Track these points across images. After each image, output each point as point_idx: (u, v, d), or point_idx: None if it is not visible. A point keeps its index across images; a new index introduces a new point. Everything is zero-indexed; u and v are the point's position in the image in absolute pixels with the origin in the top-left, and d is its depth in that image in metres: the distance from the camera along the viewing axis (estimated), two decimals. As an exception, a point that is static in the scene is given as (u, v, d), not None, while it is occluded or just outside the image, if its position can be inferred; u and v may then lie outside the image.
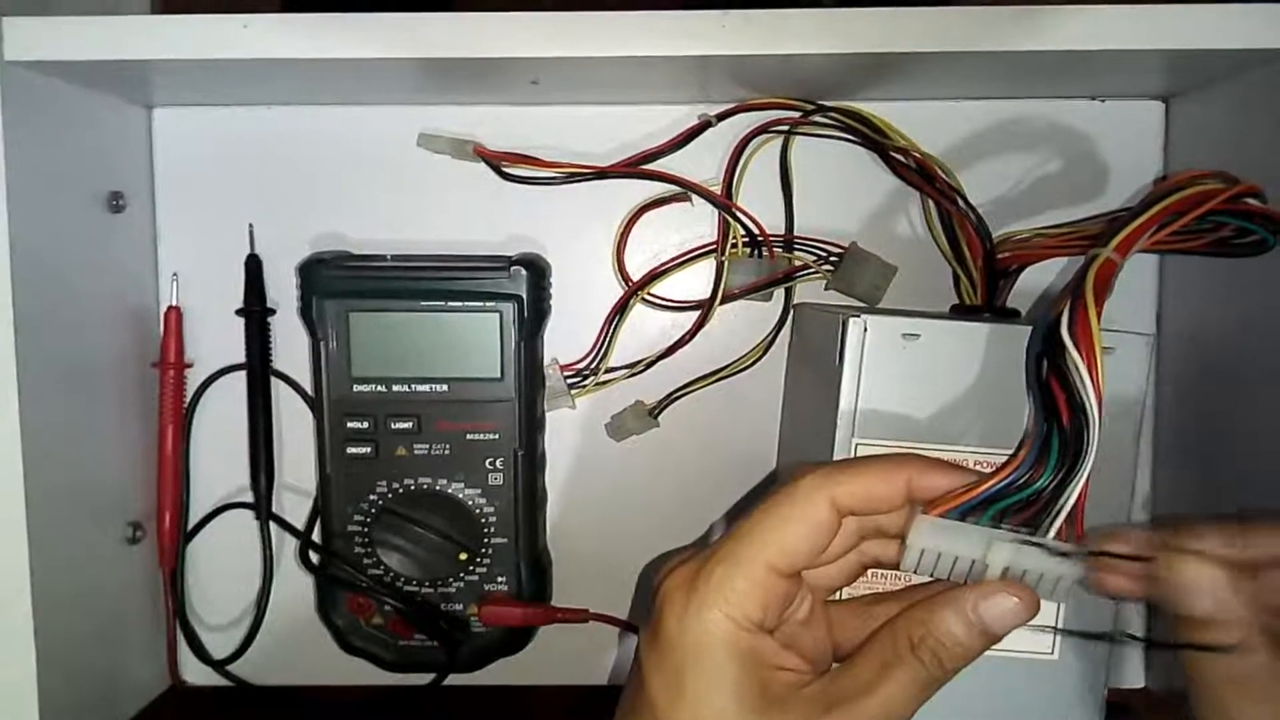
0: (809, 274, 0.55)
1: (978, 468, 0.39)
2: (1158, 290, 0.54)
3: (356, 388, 0.52)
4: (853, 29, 0.41)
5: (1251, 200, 0.42)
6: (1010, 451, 0.35)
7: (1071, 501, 0.33)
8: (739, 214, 0.54)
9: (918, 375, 0.41)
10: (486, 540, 0.53)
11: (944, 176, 0.52)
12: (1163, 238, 0.40)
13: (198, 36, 0.42)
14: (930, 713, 0.42)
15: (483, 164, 0.54)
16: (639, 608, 0.56)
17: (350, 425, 0.52)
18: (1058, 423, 0.34)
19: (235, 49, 0.43)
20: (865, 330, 0.41)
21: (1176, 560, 0.32)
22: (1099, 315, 0.34)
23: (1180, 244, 0.45)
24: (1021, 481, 0.34)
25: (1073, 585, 0.33)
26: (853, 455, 0.41)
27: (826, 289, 0.55)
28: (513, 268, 0.52)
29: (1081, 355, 0.33)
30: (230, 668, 0.56)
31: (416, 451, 0.52)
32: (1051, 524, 0.33)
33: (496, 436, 0.53)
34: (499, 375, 0.52)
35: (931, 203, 0.53)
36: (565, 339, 0.56)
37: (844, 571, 0.36)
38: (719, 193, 0.54)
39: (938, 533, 0.33)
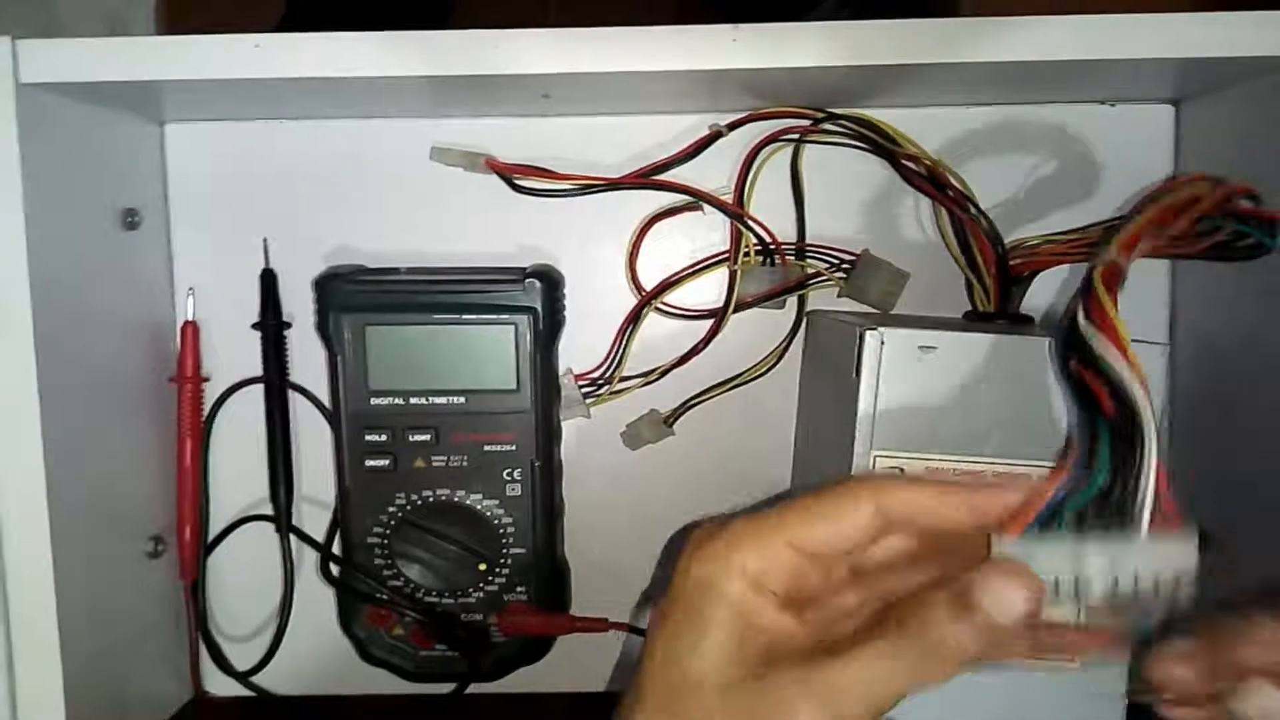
0: (822, 281, 0.55)
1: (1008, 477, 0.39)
2: (1170, 298, 0.55)
3: (374, 401, 0.52)
4: (863, 41, 0.41)
5: (1243, 202, 0.42)
6: (1033, 461, 0.35)
7: (1150, 488, 0.31)
8: (751, 223, 0.54)
9: (934, 387, 0.42)
10: (505, 550, 0.53)
11: (955, 183, 0.53)
12: (1162, 243, 0.40)
13: (209, 57, 0.43)
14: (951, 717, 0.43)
15: (495, 176, 0.54)
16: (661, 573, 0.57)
17: (368, 438, 0.53)
18: (1100, 413, 0.32)
19: (247, 69, 0.43)
20: (882, 343, 0.42)
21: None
22: (1115, 305, 0.34)
23: (1181, 249, 0.45)
24: (1081, 482, 0.32)
25: (1194, 578, 0.31)
26: (870, 467, 0.42)
27: (839, 296, 0.55)
28: (527, 280, 0.52)
29: (1108, 338, 0.33)
30: (253, 679, 0.57)
31: (434, 463, 0.53)
32: (1140, 518, 0.31)
33: (513, 447, 0.53)
34: (515, 386, 0.52)
35: (943, 209, 0.53)
36: (580, 349, 0.56)
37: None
38: (730, 202, 0.54)
39: (1020, 552, 0.31)
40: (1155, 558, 0.31)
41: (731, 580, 0.32)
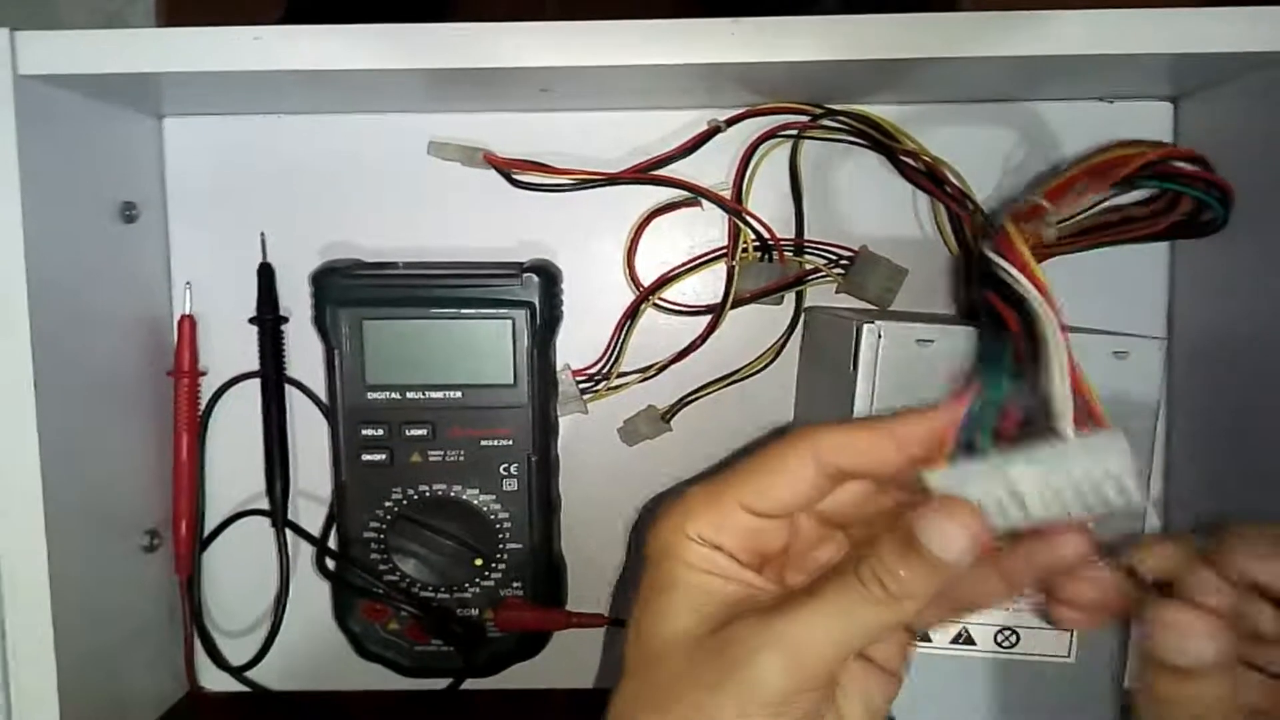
0: (820, 278, 0.55)
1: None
2: (1168, 293, 0.55)
3: (371, 395, 0.52)
4: (862, 36, 0.41)
5: (1181, 163, 0.42)
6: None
7: (1063, 391, 0.31)
8: (749, 218, 0.54)
9: (931, 380, 0.42)
10: (501, 545, 0.53)
11: (953, 179, 0.53)
12: (1100, 189, 0.41)
13: (209, 49, 0.43)
14: (948, 712, 0.43)
15: (493, 171, 0.54)
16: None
17: (365, 432, 0.53)
18: (1005, 329, 0.32)
19: (246, 61, 0.43)
20: (879, 337, 0.42)
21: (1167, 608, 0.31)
22: (1023, 238, 0.34)
23: (1142, 231, 0.46)
24: (987, 394, 0.31)
25: (1136, 477, 0.30)
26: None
27: (838, 292, 0.55)
28: (524, 274, 0.52)
29: (1010, 260, 0.33)
30: (248, 674, 0.57)
31: (431, 458, 0.53)
32: (1059, 420, 0.31)
33: (510, 442, 0.53)
34: (512, 381, 0.52)
35: (941, 205, 0.53)
36: (577, 345, 0.56)
37: None
38: (729, 197, 0.54)
39: (949, 483, 0.31)
40: (1085, 460, 0.30)
41: (688, 545, 0.32)
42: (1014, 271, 0.32)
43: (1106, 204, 0.51)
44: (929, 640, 0.43)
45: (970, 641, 0.43)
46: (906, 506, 0.32)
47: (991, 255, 0.33)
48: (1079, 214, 0.50)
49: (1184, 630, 0.30)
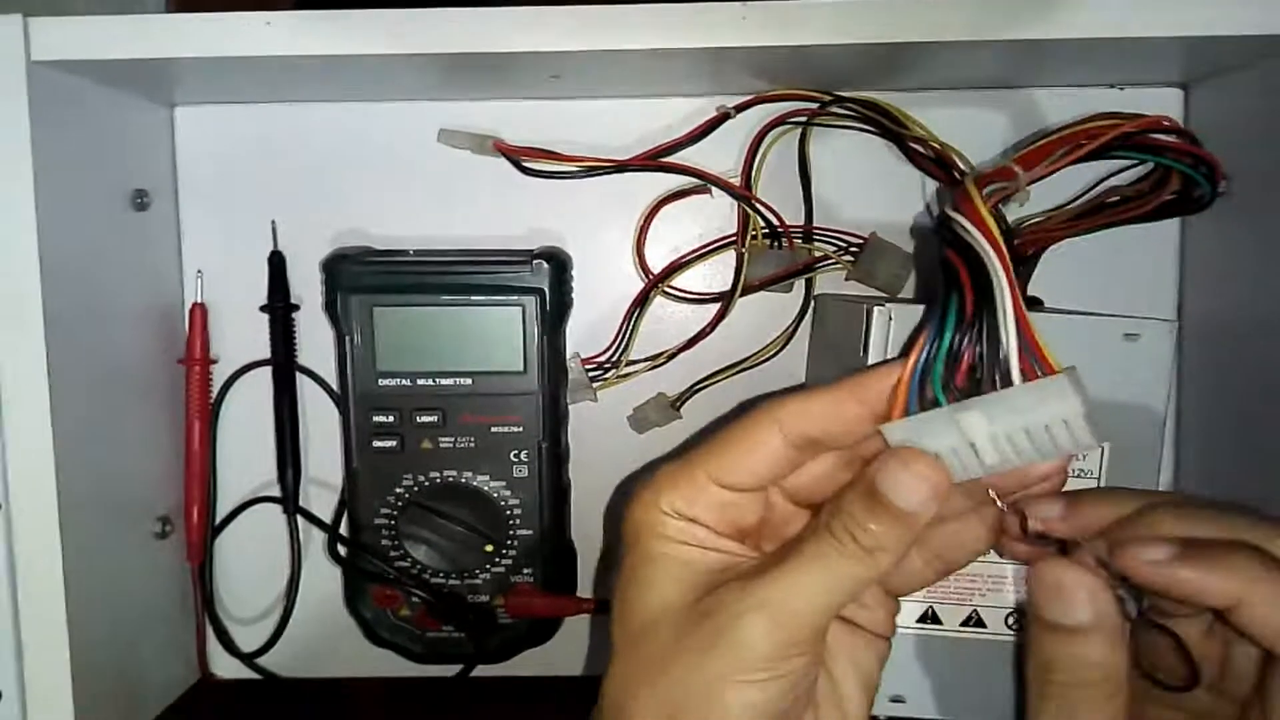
0: (829, 265, 0.55)
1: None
2: (1178, 278, 0.55)
3: (382, 382, 0.53)
4: (873, 19, 0.41)
5: (1163, 136, 0.43)
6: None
7: (1011, 334, 0.30)
8: (758, 205, 0.54)
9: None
10: (512, 532, 0.54)
11: (962, 165, 0.53)
12: (1077, 157, 0.40)
13: (221, 34, 0.43)
14: (959, 694, 0.43)
15: (503, 159, 0.54)
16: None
17: (376, 419, 0.53)
18: (957, 283, 0.32)
19: (258, 46, 0.43)
20: (890, 320, 0.42)
21: (1051, 565, 0.31)
22: (983, 199, 0.33)
23: (1134, 211, 0.47)
24: (938, 342, 0.31)
25: (1085, 419, 0.30)
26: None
27: (847, 279, 0.55)
28: (534, 261, 0.52)
29: (964, 214, 0.33)
30: (259, 660, 0.57)
31: (442, 445, 0.53)
32: (1009, 366, 0.30)
33: (520, 429, 0.53)
34: (522, 369, 0.52)
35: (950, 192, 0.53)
36: (587, 332, 0.56)
37: None
38: (738, 184, 0.54)
39: (906, 435, 0.31)
40: (1035, 405, 0.30)
41: (663, 519, 0.33)
42: (966, 224, 0.32)
43: (1104, 185, 0.51)
44: (939, 623, 0.43)
45: (980, 624, 0.43)
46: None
47: (949, 212, 0.33)
48: (1079, 197, 0.51)
49: (1061, 589, 0.31)
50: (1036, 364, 0.30)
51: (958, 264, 0.32)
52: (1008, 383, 0.30)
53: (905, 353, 0.32)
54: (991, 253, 0.31)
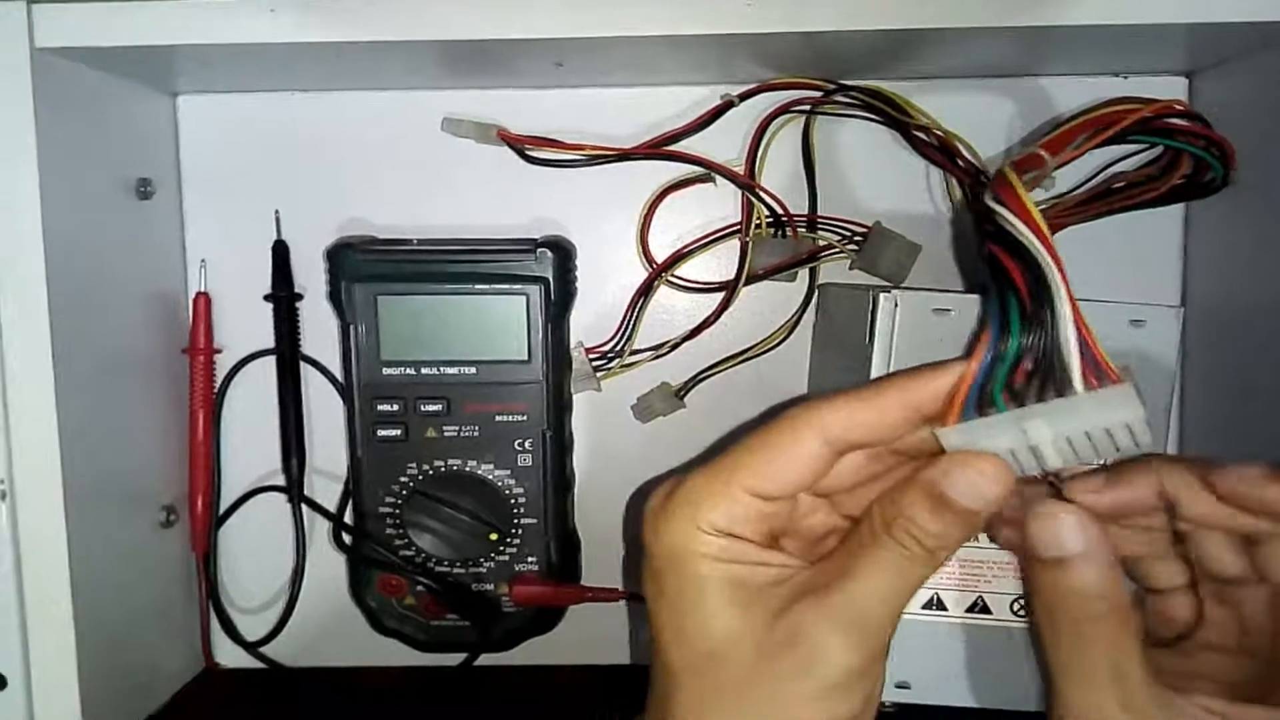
0: (833, 254, 0.55)
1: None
2: (1182, 265, 0.55)
3: (386, 371, 0.53)
4: (878, 6, 0.41)
5: (1178, 120, 0.43)
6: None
7: (1073, 343, 0.30)
8: (762, 194, 0.54)
9: (949, 350, 0.41)
10: (516, 520, 0.54)
11: (966, 154, 0.53)
12: (1097, 142, 0.41)
13: (226, 21, 0.43)
14: (963, 680, 0.43)
15: (507, 147, 0.54)
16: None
17: (380, 408, 0.53)
18: (1011, 284, 0.31)
19: (262, 33, 0.43)
20: (896, 306, 0.42)
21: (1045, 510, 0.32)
22: (1023, 185, 0.33)
23: (1145, 194, 0.47)
24: (1001, 350, 0.31)
25: (1146, 422, 0.30)
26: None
27: (851, 269, 0.55)
28: (539, 250, 0.52)
29: (1013, 210, 0.32)
30: (263, 649, 0.57)
31: (446, 433, 0.53)
32: (1070, 375, 0.30)
33: (525, 418, 0.53)
34: (526, 357, 0.53)
35: (954, 180, 0.53)
36: (590, 322, 0.56)
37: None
38: (742, 173, 0.54)
39: (963, 440, 0.31)
40: (1098, 411, 0.30)
41: (703, 540, 0.32)
42: (1013, 219, 0.32)
43: (1110, 171, 0.51)
44: (945, 609, 0.43)
45: (986, 610, 0.43)
46: (900, 470, 0.33)
47: (991, 204, 0.33)
48: (1085, 183, 0.51)
49: (1053, 521, 0.31)
50: (1096, 368, 0.30)
51: (1008, 262, 0.32)
52: (1069, 388, 0.30)
53: (968, 353, 0.31)
54: (1045, 253, 0.31)
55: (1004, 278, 0.32)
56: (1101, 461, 0.32)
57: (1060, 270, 0.31)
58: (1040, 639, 0.33)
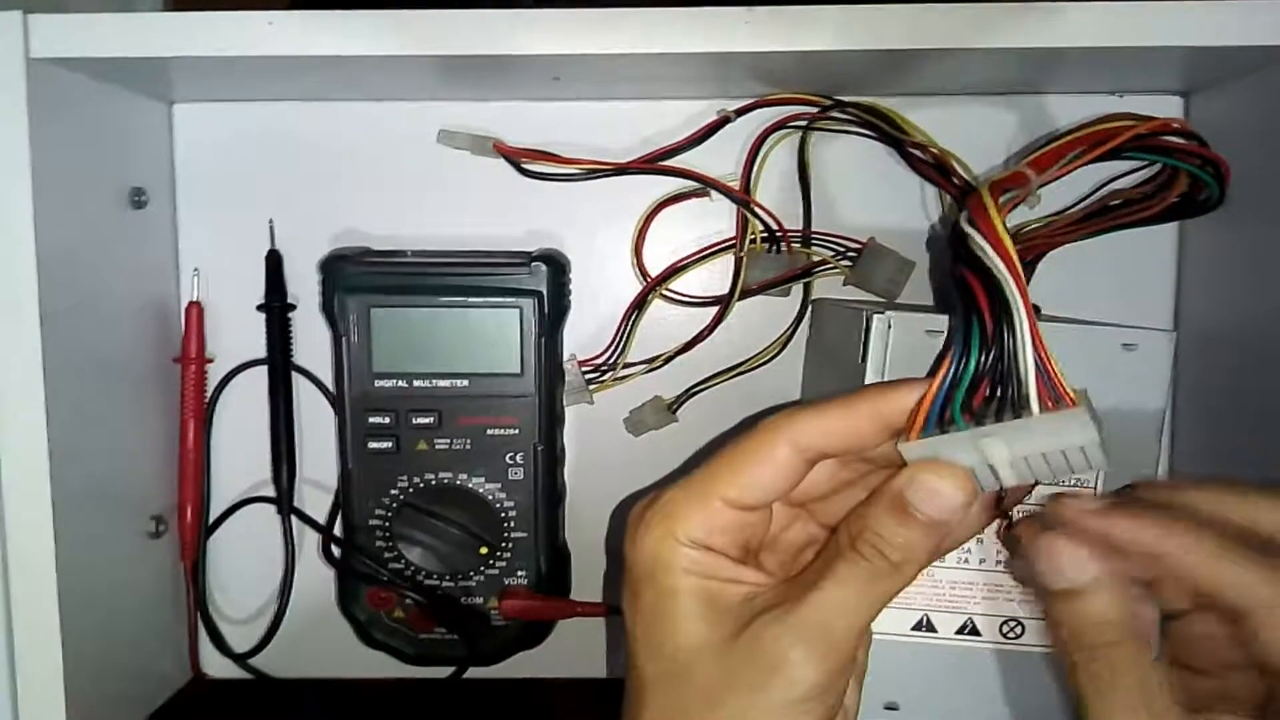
0: (827, 269, 0.55)
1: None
2: (1175, 288, 0.55)
3: (378, 383, 0.52)
4: (878, 26, 0.41)
5: (1173, 139, 0.43)
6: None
7: (1030, 364, 0.31)
8: (757, 209, 0.54)
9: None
10: (506, 534, 0.53)
11: (961, 171, 0.53)
12: (1088, 159, 0.41)
13: (222, 33, 0.43)
14: (953, 703, 0.43)
15: (502, 160, 0.54)
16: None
17: (372, 420, 0.53)
18: (975, 305, 0.32)
19: (260, 46, 0.43)
20: (889, 327, 0.42)
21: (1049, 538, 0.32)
22: (998, 208, 0.33)
23: (1141, 213, 0.47)
24: (962, 368, 0.32)
25: (1100, 446, 0.31)
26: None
27: (845, 284, 0.55)
28: (533, 263, 0.52)
29: (983, 232, 0.32)
30: (251, 661, 0.57)
31: (437, 446, 0.53)
32: (1028, 396, 0.31)
33: (516, 431, 0.53)
34: (519, 371, 0.52)
35: (949, 198, 0.53)
36: (584, 335, 0.56)
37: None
38: (737, 188, 0.54)
39: (925, 453, 0.32)
40: (1053, 434, 0.31)
41: (680, 551, 0.32)
42: (982, 243, 0.32)
43: (1107, 188, 0.51)
44: (934, 631, 0.43)
45: (975, 632, 0.43)
46: (873, 476, 0.34)
47: (965, 226, 0.33)
48: (1081, 201, 0.51)
49: (1064, 554, 0.31)
50: (1053, 391, 0.31)
51: (974, 284, 0.32)
52: (1026, 410, 0.31)
53: (932, 372, 0.32)
54: (1010, 278, 0.31)
55: (969, 299, 0.32)
56: (1059, 482, 0.32)
57: (1023, 293, 0.31)
58: (1068, 673, 0.33)
